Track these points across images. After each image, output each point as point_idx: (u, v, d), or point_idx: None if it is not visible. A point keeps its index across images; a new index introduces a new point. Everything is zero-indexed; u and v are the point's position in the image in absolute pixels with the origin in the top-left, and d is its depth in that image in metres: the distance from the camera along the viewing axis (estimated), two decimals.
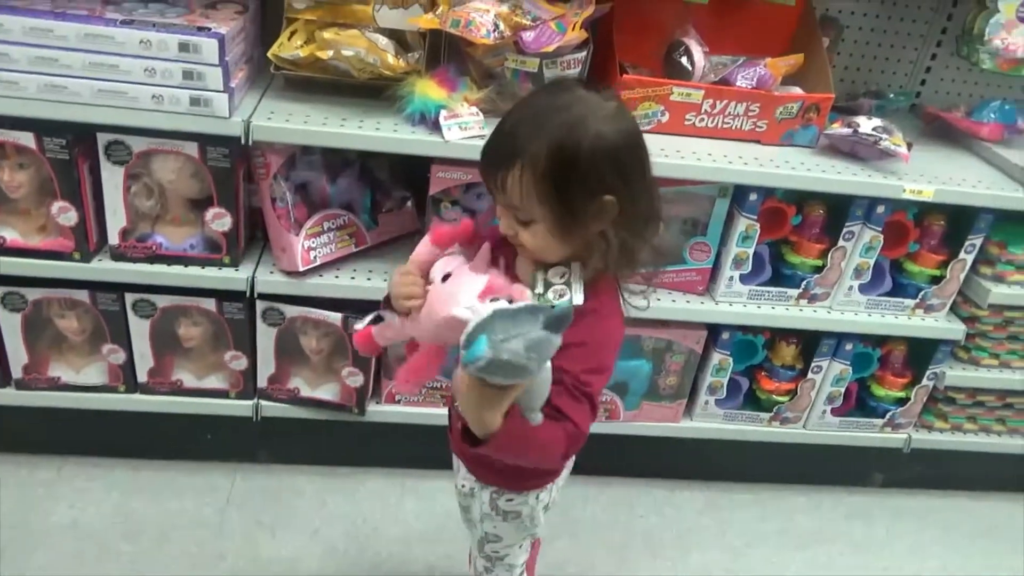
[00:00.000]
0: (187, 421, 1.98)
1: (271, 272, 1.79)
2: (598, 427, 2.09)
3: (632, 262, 1.12)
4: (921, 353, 2.09)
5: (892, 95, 2.18)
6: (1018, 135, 2.01)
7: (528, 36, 1.67)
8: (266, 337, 1.87)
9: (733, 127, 1.85)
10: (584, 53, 1.74)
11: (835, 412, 2.13)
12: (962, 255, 1.93)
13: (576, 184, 1.02)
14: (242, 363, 1.89)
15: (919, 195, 1.80)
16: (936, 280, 1.98)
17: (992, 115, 2.02)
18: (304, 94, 1.75)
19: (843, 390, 2.10)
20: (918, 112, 2.22)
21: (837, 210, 1.89)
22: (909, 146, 1.85)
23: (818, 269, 1.93)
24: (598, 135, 1.01)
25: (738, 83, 1.83)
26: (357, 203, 1.90)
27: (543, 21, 1.70)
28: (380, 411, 2.00)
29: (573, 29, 1.69)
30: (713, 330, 2.00)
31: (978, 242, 1.92)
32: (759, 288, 1.95)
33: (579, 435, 1.06)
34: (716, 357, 2.01)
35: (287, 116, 1.64)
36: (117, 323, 1.82)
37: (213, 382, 1.94)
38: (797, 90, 1.89)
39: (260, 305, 1.83)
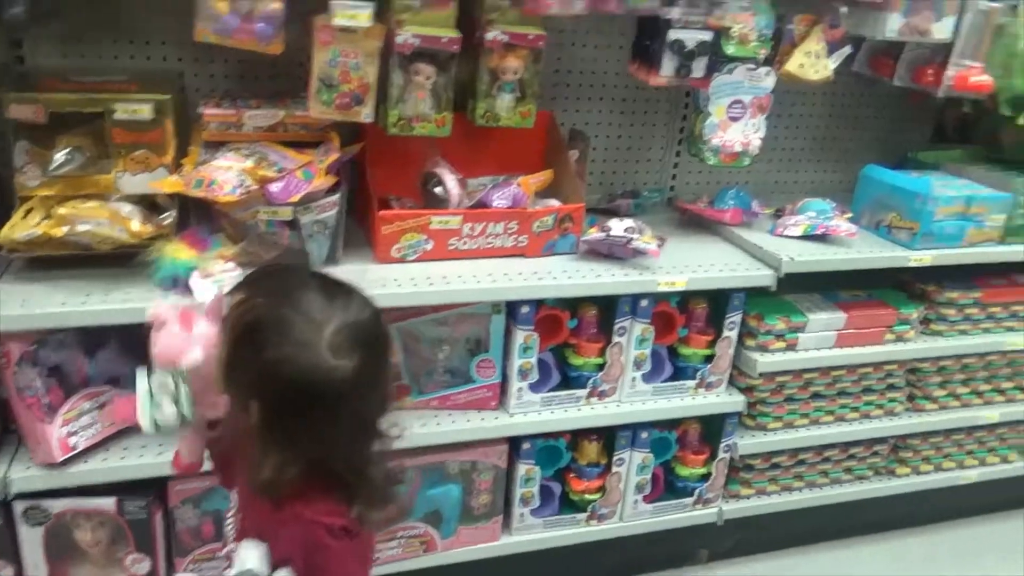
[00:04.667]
0: None
1: (27, 468, 1.65)
2: (415, 563, 2.05)
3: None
4: (713, 428, 2.20)
5: (646, 192, 2.36)
6: (755, 217, 2.21)
7: (275, 188, 1.68)
8: (32, 540, 1.70)
9: (496, 245, 1.92)
10: (337, 195, 1.76)
11: (647, 499, 2.19)
12: (726, 333, 2.08)
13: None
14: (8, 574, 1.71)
15: (673, 286, 1.93)
16: (709, 359, 2.11)
17: (731, 202, 2.22)
18: (47, 272, 1.66)
19: (649, 477, 2.16)
20: (674, 205, 2.41)
21: (609, 309, 1.99)
22: (661, 241, 2.00)
23: (600, 367, 2.01)
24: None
25: (494, 204, 1.92)
26: (124, 376, 1.80)
27: (289, 171, 1.71)
28: None
29: (320, 176, 1.72)
30: (514, 442, 2.01)
31: (737, 319, 2.07)
32: (550, 394, 2.00)
33: None
34: (522, 468, 2.03)
35: (21, 300, 1.55)
36: None
37: None
38: (554, 202, 2.01)
39: (19, 505, 1.67)
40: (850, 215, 2.25)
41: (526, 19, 1.82)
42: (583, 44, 2.22)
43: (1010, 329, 2.38)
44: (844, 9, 1.97)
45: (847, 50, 2.09)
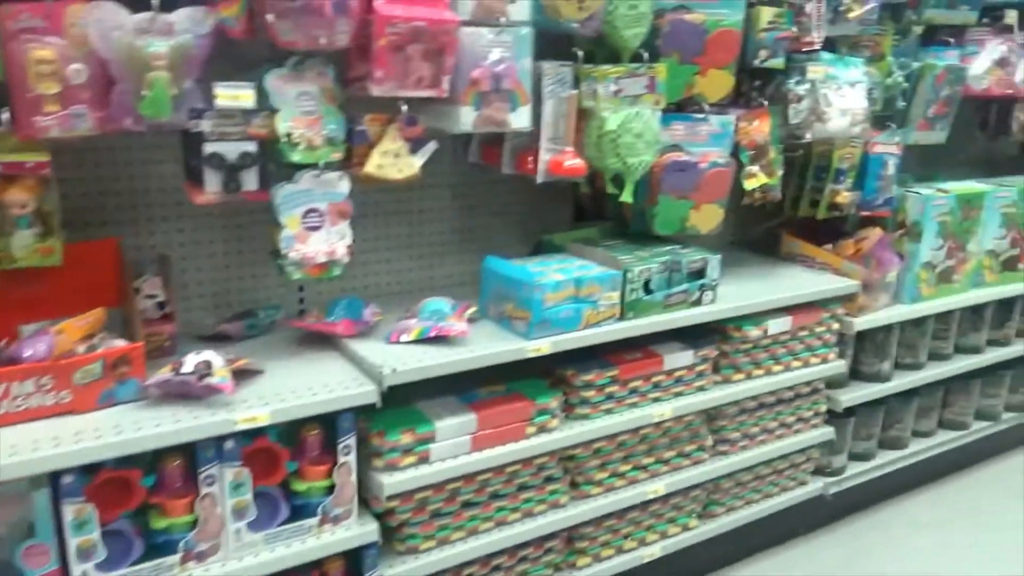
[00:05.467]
0: None
1: None
2: None
3: None
4: (357, 565, 1.98)
5: (263, 311, 2.16)
6: (367, 326, 2.07)
7: None
8: None
9: (33, 406, 1.62)
10: None
11: None
12: (342, 459, 1.88)
13: None
14: None
15: (254, 422, 1.72)
16: (331, 490, 1.90)
17: (341, 313, 2.06)
18: None
19: None
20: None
21: (194, 457, 1.73)
22: (241, 374, 1.79)
23: (193, 524, 1.74)
24: None
25: (25, 358, 1.62)
26: None
27: None
28: None
29: None
30: None
31: (351, 442, 1.89)
32: (132, 569, 1.69)
33: None
34: None
35: None
36: None
37: None
38: (121, 343, 1.74)
39: None
40: (473, 309, 2.17)
41: (27, 145, 1.58)
42: (158, 161, 2.01)
43: (656, 400, 2.39)
44: (404, 106, 1.90)
45: (432, 145, 2.02)
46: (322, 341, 2.09)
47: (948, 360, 3.21)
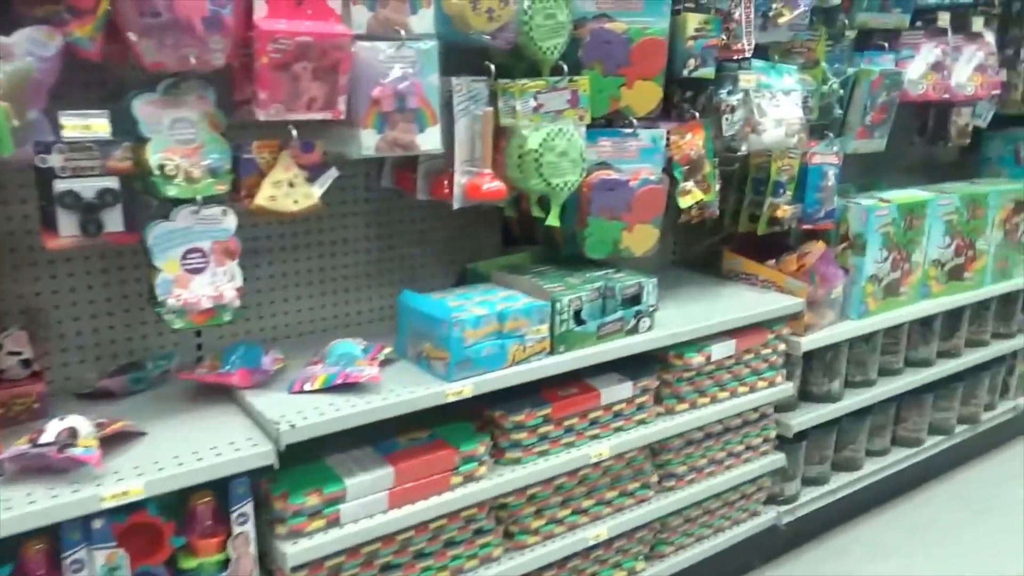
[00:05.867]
0: None
1: None
2: None
3: None
4: None
5: (150, 362, 1.93)
6: (267, 375, 1.86)
7: None
8: None
9: None
10: None
11: None
12: (237, 529, 1.67)
13: None
14: None
15: (124, 497, 1.49)
16: (227, 564, 1.68)
17: (238, 361, 1.85)
18: None
19: None
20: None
21: (59, 540, 1.51)
22: (116, 439, 1.56)
23: None
24: None
25: None
26: None
27: None
28: None
29: None
30: None
31: (246, 510, 1.67)
32: None
33: None
34: None
35: None
36: None
37: None
38: None
39: None
40: (389, 350, 1.98)
41: None
42: (20, 200, 1.79)
43: (594, 437, 2.21)
44: (294, 131, 1.71)
45: (333, 172, 1.83)
46: (218, 394, 1.88)
47: (899, 375, 3.11)
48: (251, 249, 2.08)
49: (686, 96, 2.40)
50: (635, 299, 2.20)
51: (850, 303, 2.82)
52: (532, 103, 2.02)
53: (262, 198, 1.72)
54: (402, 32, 1.76)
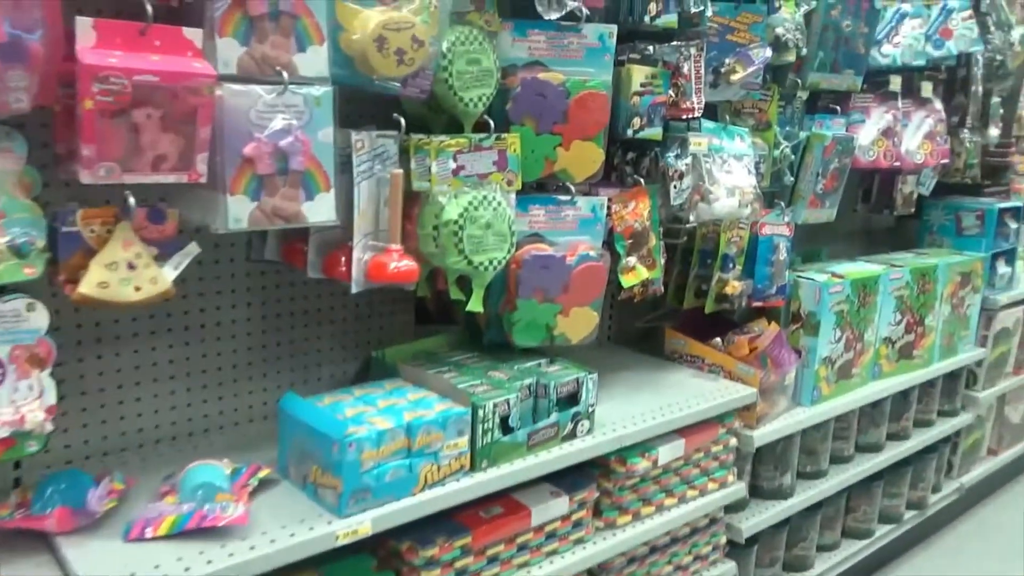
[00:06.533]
0: None
1: None
2: None
3: None
4: None
5: None
6: (93, 517, 1.40)
7: None
8: None
9: None
10: None
11: None
12: None
13: None
14: None
15: None
16: None
17: (57, 497, 1.39)
18: None
19: None
20: None
21: None
22: None
23: None
24: None
25: None
26: None
27: None
28: None
29: None
30: None
31: None
32: None
33: None
34: None
35: None
36: None
37: None
38: None
39: None
40: (265, 472, 1.56)
41: None
42: None
43: (523, 566, 1.82)
44: (131, 199, 1.29)
45: (192, 250, 1.42)
46: (33, 539, 1.41)
47: (850, 462, 2.84)
48: (93, 337, 1.64)
49: (628, 159, 2.09)
50: (572, 398, 1.85)
51: (802, 389, 2.54)
52: (451, 164, 1.68)
53: (88, 286, 1.29)
54: (284, 74, 1.38)
